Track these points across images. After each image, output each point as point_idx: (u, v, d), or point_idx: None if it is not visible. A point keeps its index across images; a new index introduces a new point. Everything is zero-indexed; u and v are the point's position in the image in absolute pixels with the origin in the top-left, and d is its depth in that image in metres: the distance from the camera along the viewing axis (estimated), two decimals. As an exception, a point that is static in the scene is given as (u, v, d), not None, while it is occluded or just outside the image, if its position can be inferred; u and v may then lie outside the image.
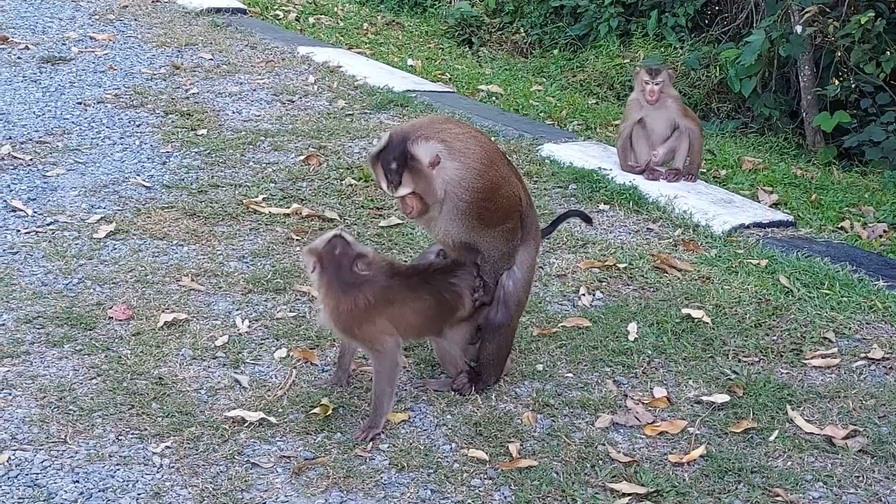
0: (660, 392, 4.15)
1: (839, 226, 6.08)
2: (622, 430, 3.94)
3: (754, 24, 10.85)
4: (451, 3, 12.92)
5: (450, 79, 8.95)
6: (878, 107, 9.80)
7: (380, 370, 3.84)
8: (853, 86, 10.06)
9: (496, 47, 12.33)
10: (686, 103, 10.54)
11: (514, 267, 4.08)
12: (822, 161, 9.42)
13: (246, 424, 3.85)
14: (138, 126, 6.81)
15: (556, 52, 11.48)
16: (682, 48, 11.20)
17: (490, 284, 4.04)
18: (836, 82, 10.24)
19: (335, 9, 11.32)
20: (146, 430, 3.79)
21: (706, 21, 11.81)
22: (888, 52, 9.85)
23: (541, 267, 5.15)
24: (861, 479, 3.67)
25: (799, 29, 9.97)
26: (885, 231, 6.06)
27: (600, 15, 11.79)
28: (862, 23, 9.58)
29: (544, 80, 10.11)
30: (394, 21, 12.04)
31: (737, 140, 9.69)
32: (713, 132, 9.83)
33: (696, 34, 11.46)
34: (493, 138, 6.65)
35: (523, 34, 12.41)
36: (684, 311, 4.72)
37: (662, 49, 11.19)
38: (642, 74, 6.26)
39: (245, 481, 3.55)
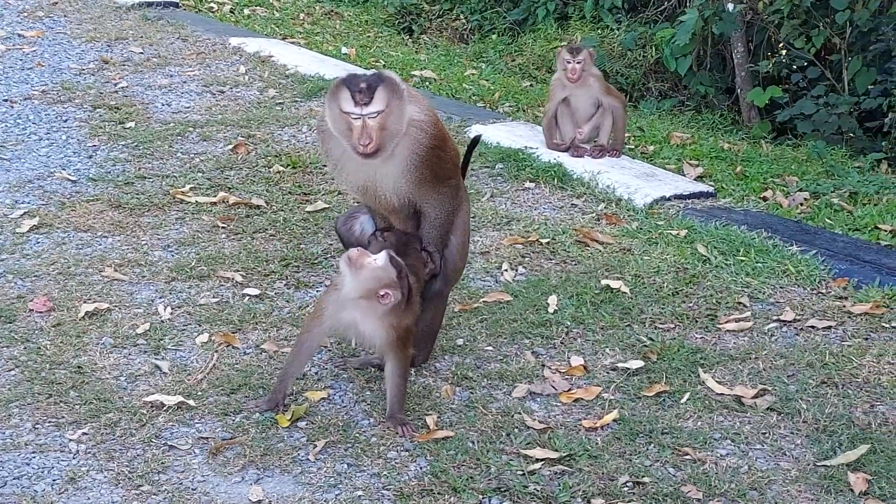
0: (577, 361, 4.22)
1: (762, 196, 6.16)
2: (539, 399, 4.00)
3: (688, 4, 10.96)
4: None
5: (384, 65, 8.97)
6: (808, 81, 9.93)
7: (401, 372, 3.80)
8: (784, 61, 10.20)
9: (436, 34, 12.34)
10: (623, 83, 10.71)
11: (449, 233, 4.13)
12: (757, 136, 9.54)
13: (164, 408, 3.87)
14: (65, 121, 6.79)
15: (494, 37, 11.52)
16: (618, 29, 11.28)
17: (436, 253, 4.06)
18: (771, 57, 10.36)
19: (272, 0, 11.30)
20: (63, 417, 3.81)
21: (642, 2, 11.90)
22: (818, 27, 10.00)
23: (464, 245, 5.20)
24: (767, 435, 3.76)
25: (730, 7, 10.10)
26: (805, 199, 6.16)
27: (538, -1, 11.85)
28: (790, -2, 9.72)
29: (483, 64, 10.15)
30: (332, 11, 12.03)
31: (673, 118, 9.78)
32: (650, 111, 9.92)
33: (633, 15, 11.55)
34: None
35: (463, 20, 12.42)
36: (604, 282, 4.79)
37: (599, 31, 11.26)
38: (563, 54, 6.33)
39: (162, 463, 3.58)
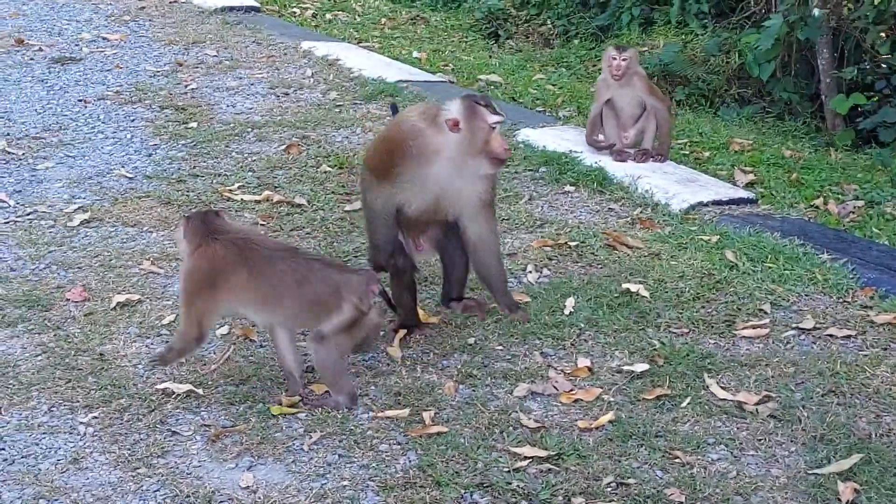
0: (583, 362, 4.23)
1: (812, 203, 6.06)
2: (539, 399, 4.04)
3: (775, 9, 10.81)
4: (479, -3, 13.04)
5: (453, 69, 9.05)
6: (892, 88, 9.72)
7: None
8: (869, 67, 9.98)
9: (522, 39, 12.39)
10: (705, 89, 10.61)
11: None
12: (839, 144, 9.38)
13: (174, 396, 4.01)
14: (133, 121, 7.03)
15: (576, 41, 11.52)
16: (704, 35, 11.18)
17: (384, 292, 4.20)
18: (858, 65, 10.16)
19: (354, 5, 11.47)
20: (78, 401, 3.97)
21: (730, 7, 11.78)
22: (908, 33, 9.79)
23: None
24: (763, 441, 3.73)
25: (816, 12, 9.94)
26: (857, 208, 6.03)
27: (622, 4, 11.85)
28: (875, 4, 9.53)
29: (555, 69, 10.15)
30: (418, 16, 12.16)
31: (753, 125, 9.67)
32: (731, 117, 9.81)
33: (720, 20, 11.44)
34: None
35: (549, 25, 12.45)
36: (625, 285, 4.79)
37: (683, 36, 11.18)
38: (610, 52, 6.33)
39: (162, 448, 3.72)
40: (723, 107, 10.48)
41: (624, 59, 6.23)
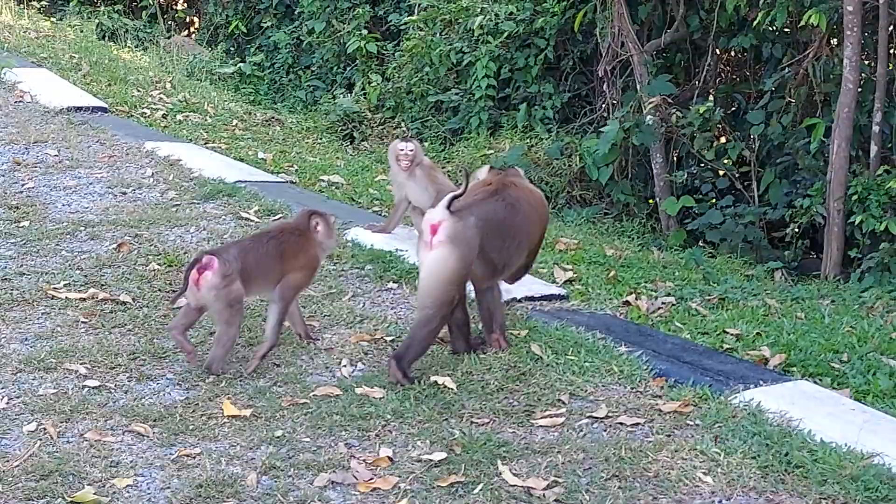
0: (385, 452, 4.37)
1: (625, 300, 6.35)
2: (338, 488, 4.15)
3: (612, 115, 11.33)
4: (334, 99, 13.34)
5: (296, 170, 9.24)
6: (717, 191, 10.29)
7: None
8: (696, 172, 10.52)
9: (377, 141, 12.68)
10: (548, 191, 11.01)
11: None
12: (673, 244, 9.84)
13: (-30, 493, 4.02)
14: (-38, 220, 7.02)
15: (426, 144, 11.83)
16: (548, 139, 11.63)
17: None
18: (688, 169, 10.68)
19: (206, 107, 11.60)
20: None
21: (573, 113, 12.30)
22: (733, 141, 10.40)
23: (315, 340, 5.39)
24: (546, 525, 3.90)
25: (649, 119, 10.49)
26: (664, 304, 6.35)
27: (471, 109, 12.26)
28: (701, 112, 10.12)
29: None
30: (273, 118, 12.35)
31: (592, 226, 10.07)
32: (573, 219, 10.20)
33: (564, 125, 11.92)
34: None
35: (404, 128, 12.77)
36: (433, 378, 4.96)
37: (528, 140, 11.60)
38: (397, 144, 6.68)
39: (-47, 543, 3.72)
40: (565, 208, 10.92)
41: (411, 150, 6.54)
